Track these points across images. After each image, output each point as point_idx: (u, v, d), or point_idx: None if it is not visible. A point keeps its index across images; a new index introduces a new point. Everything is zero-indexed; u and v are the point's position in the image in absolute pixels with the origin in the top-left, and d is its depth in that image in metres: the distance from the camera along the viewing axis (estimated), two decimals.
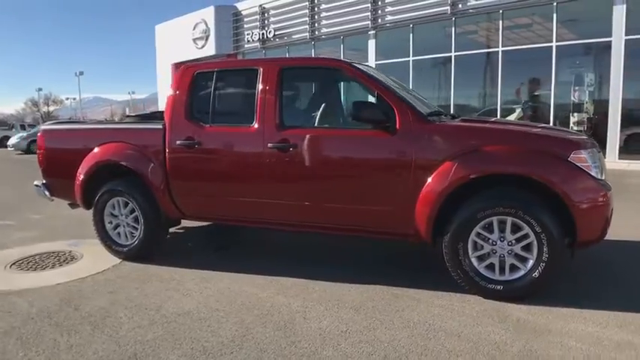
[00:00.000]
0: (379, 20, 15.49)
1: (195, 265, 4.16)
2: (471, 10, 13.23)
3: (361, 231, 3.62)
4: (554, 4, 11.31)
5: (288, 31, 18.02)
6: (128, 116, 16.53)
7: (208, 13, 19.54)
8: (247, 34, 19.17)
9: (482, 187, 3.22)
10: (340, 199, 3.53)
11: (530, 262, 3.14)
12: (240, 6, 19.57)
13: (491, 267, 3.24)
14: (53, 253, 4.67)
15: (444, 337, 2.76)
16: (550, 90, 11.88)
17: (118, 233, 4.42)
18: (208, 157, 3.90)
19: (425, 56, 14.84)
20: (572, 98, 11.57)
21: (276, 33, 18.34)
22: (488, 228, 3.20)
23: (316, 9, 17.11)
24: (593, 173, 3.11)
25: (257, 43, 18.97)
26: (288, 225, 3.80)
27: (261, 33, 18.70)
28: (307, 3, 17.11)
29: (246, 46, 19.52)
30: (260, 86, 3.73)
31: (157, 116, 17.22)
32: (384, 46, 15.79)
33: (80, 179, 4.38)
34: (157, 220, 4.23)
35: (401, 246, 4.54)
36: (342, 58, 16.42)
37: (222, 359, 2.55)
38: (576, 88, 11.46)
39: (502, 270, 3.22)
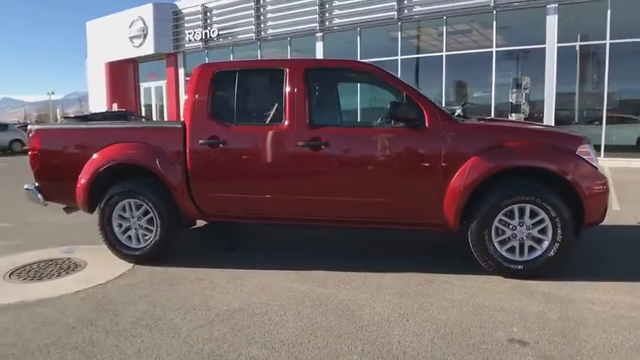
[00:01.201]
0: (327, 23, 15.82)
1: (214, 264, 4.16)
2: (416, 16, 13.96)
3: (390, 223, 3.85)
4: (494, 12, 12.30)
5: (233, 31, 17.82)
6: (66, 117, 15.51)
7: (146, 11, 18.78)
8: (189, 34, 18.68)
9: (500, 178, 3.58)
10: (372, 193, 3.74)
11: (546, 244, 3.55)
12: (180, 4, 19.01)
13: (511, 250, 3.62)
14: (51, 261, 4.42)
15: (491, 311, 3.08)
16: (490, 92, 12.89)
17: (129, 237, 4.29)
18: (235, 156, 3.92)
19: (372, 59, 15.38)
20: (510, 99, 12.65)
21: (220, 33, 18.06)
22: (509, 215, 3.57)
23: (262, 10, 17.09)
24: (594, 164, 3.60)
25: (199, 43, 18.56)
26: (318, 221, 3.94)
27: (204, 32, 18.31)
28: (252, 3, 17.04)
29: (187, 45, 19.02)
30: (288, 86, 3.83)
31: (96, 117, 16.38)
32: (332, 48, 16.13)
33: (85, 181, 4.19)
34: (174, 221, 4.17)
35: (412, 237, 4.84)
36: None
37: (305, 347, 2.66)
38: (514, 90, 12.55)
39: (521, 252, 3.61)
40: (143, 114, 20.19)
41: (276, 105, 3.87)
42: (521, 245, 3.60)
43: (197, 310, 3.23)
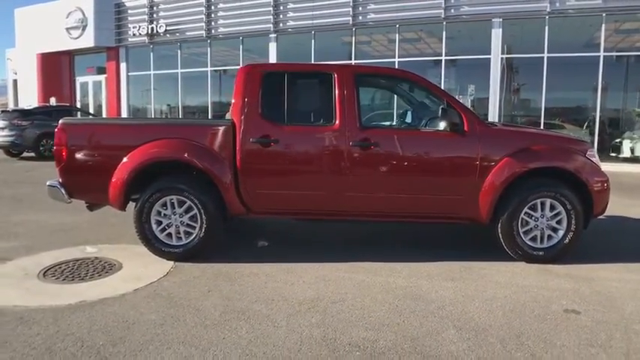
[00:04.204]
0: (281, 24, 15.99)
1: (257, 259, 4.29)
2: (370, 23, 14.62)
3: (430, 217, 4.26)
4: (444, 23, 13.28)
5: (182, 27, 17.34)
6: (3, 112, 14.19)
7: (85, 2, 17.66)
8: (133, 28, 17.86)
9: (525, 176, 4.13)
10: (416, 190, 4.14)
11: (561, 232, 4.17)
12: None
13: (533, 238, 4.19)
14: (79, 260, 4.27)
15: (535, 289, 3.60)
16: None
17: (169, 234, 4.29)
18: (288, 154, 4.12)
19: (326, 63, 15.80)
20: None
21: (168, 28, 17.48)
22: (533, 208, 4.14)
23: (213, 7, 16.84)
24: (599, 165, 4.28)
25: (145, 38, 17.82)
26: (364, 215, 4.25)
27: (149, 27, 17.62)
28: (203, 0, 16.74)
29: (130, 39, 18.18)
30: (338, 89, 4.10)
31: (35, 112, 15.31)
32: (286, 50, 16.32)
33: (123, 178, 4.14)
34: (219, 218, 4.26)
35: (431, 230, 5.30)
36: (241, 59, 16.67)
37: (404, 326, 2.97)
38: (460, 96, 13.62)
39: (541, 240, 4.19)
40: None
41: (326, 107, 4.12)
42: (542, 234, 4.18)
43: (276, 301, 3.40)
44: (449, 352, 2.68)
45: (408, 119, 4.70)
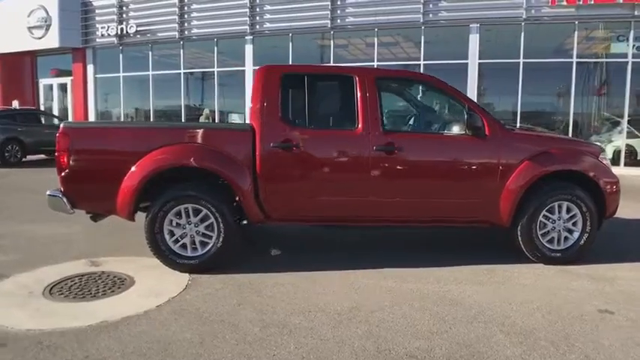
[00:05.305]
0: (257, 26, 15.79)
1: (277, 269, 4.16)
2: (349, 26, 14.66)
3: (451, 222, 4.26)
4: (422, 28, 13.49)
5: (154, 28, 16.83)
6: None
7: None
8: (102, 28, 17.18)
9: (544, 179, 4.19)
10: (439, 195, 4.13)
11: (576, 234, 4.26)
12: None
13: (550, 240, 4.26)
14: (85, 275, 4.00)
15: (563, 290, 3.66)
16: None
17: (183, 245, 4.09)
18: (310, 159, 4.01)
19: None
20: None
21: (139, 29, 16.91)
22: (550, 210, 4.21)
23: (186, 7, 16.44)
24: (610, 168, 4.40)
25: (114, 39, 17.18)
26: (387, 221, 4.19)
27: (119, 28, 17.01)
28: (176, 0, 16.32)
29: (98, 40, 17.49)
30: (359, 93, 4.03)
31: (2, 115, 14.56)
32: (262, 52, 16.13)
33: (134, 185, 3.91)
34: (238, 226, 4.10)
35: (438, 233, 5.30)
36: (215, 61, 16.38)
37: (453, 333, 2.94)
38: (437, 101, 13.84)
39: (558, 242, 4.26)
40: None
41: (347, 110, 4.04)
42: (559, 236, 4.25)
43: (312, 312, 3.29)
44: (506, 357, 2.67)
45: (428, 123, 4.69)
